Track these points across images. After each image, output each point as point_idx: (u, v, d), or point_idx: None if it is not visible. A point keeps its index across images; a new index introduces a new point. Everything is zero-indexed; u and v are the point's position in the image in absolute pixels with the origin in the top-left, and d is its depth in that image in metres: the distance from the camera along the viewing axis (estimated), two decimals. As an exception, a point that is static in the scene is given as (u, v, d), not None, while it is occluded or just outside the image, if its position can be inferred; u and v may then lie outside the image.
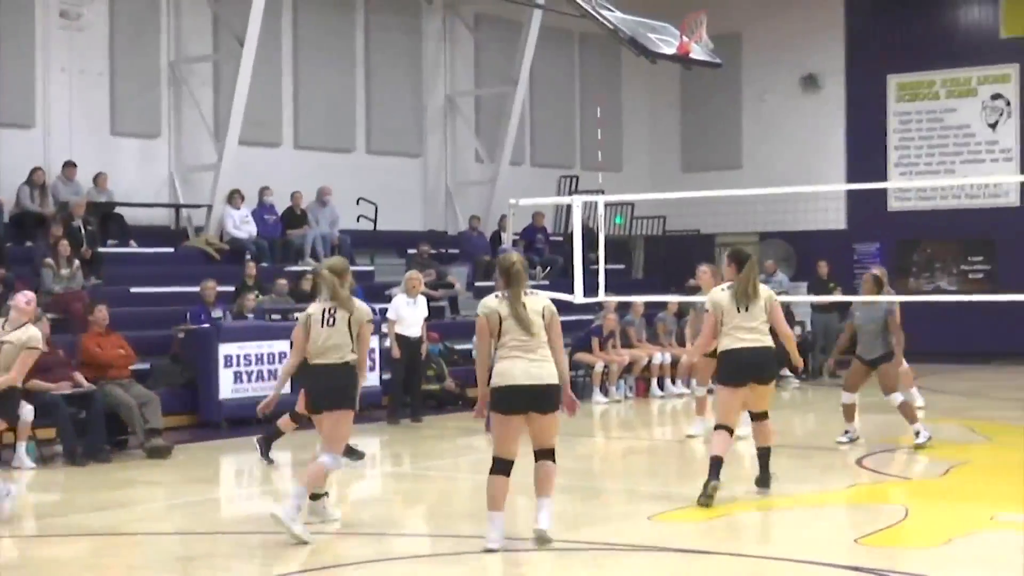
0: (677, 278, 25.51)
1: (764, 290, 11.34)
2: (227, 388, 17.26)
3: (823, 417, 18.42)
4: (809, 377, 23.07)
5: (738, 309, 11.11)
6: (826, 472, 13.32)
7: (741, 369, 11.10)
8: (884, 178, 28.31)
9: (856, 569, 8.63)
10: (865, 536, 9.71)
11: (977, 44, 28.33)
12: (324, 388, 9.95)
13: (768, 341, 11.17)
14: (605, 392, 20.35)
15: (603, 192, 24.87)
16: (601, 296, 17.34)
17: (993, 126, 28.16)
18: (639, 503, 11.70)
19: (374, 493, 13.10)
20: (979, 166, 27.96)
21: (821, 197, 26.93)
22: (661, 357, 21.13)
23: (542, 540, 9.29)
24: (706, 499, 10.79)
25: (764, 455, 11.52)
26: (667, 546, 9.50)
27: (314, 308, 10.09)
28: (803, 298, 23.29)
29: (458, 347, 20.77)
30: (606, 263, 17.34)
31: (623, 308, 21.48)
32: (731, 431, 11.16)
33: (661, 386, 21.17)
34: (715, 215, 27.32)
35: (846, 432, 14.54)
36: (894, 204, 28.73)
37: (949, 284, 27.86)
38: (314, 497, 10.21)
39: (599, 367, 20.30)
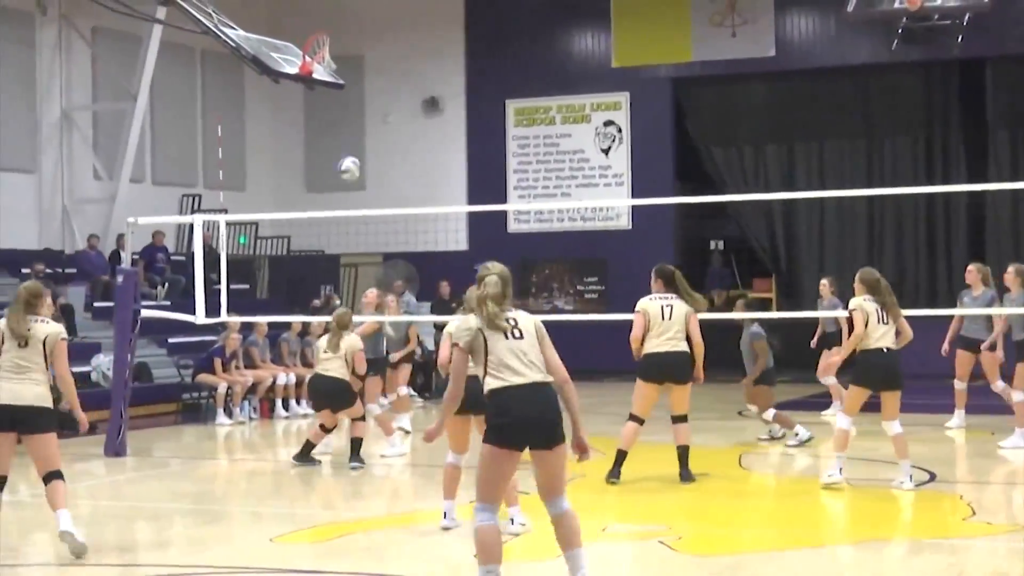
0: (301, 298, 25.51)
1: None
2: None
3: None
4: (432, 396, 23.46)
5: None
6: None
7: None
8: (504, 200, 29.09)
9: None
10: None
11: (590, 72, 29.44)
12: None
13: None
14: (229, 413, 20.15)
15: (226, 211, 24.67)
16: (223, 316, 17.25)
17: (606, 151, 29.31)
18: (262, 525, 11.64)
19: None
20: (593, 190, 29.06)
21: (443, 218, 27.46)
22: (285, 378, 21.05)
23: None
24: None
25: None
26: (288, 567, 9.48)
27: None
28: (427, 318, 23.60)
29: (75, 369, 20.09)
30: (229, 283, 17.23)
31: (246, 328, 21.31)
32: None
33: (286, 407, 21.10)
34: (339, 235, 27.47)
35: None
36: (514, 226, 29.51)
37: (566, 304, 28.80)
38: None
39: (222, 388, 20.09)
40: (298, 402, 21.16)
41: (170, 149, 28.60)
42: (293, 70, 21.09)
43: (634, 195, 28.36)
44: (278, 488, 14.15)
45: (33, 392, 9.78)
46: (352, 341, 14.86)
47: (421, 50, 30.22)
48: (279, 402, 21.00)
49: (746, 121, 29.36)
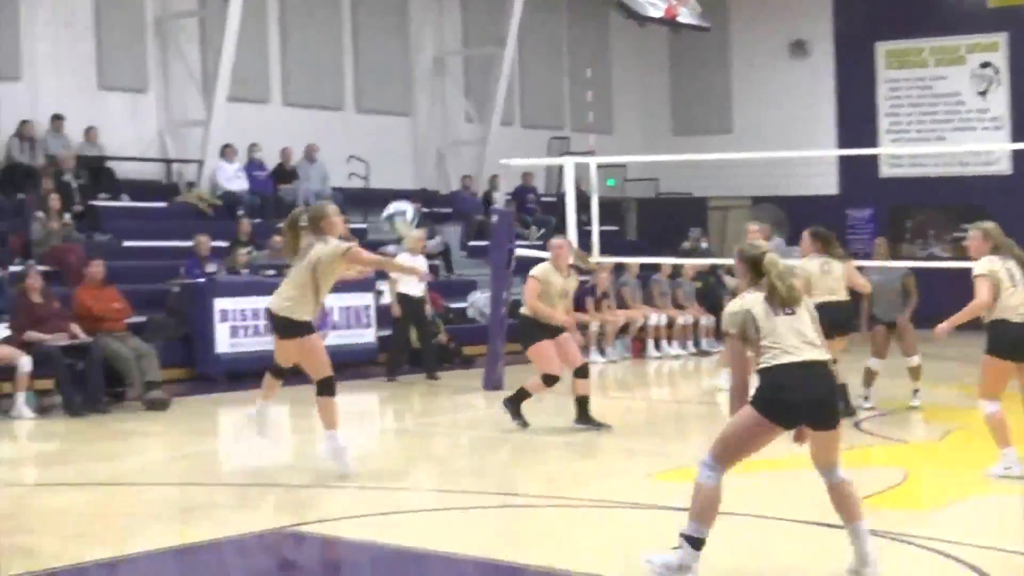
0: (669, 240, 25.50)
1: None
2: (224, 343, 17.33)
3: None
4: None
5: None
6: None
7: None
8: (875, 144, 28.31)
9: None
10: (865, 497, 9.68)
11: (965, 13, 28.27)
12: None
13: None
14: (602, 352, 20.38)
15: (594, 154, 24.85)
16: (595, 257, 17.40)
17: (983, 94, 28.16)
18: (637, 461, 11.72)
19: (373, 448, 13.05)
20: (970, 134, 27.95)
21: (813, 162, 26.95)
22: (656, 318, 21.22)
23: None
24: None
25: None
26: (666, 504, 9.41)
27: None
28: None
29: (452, 305, 20.87)
30: (599, 225, 17.34)
31: (618, 270, 21.50)
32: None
33: (657, 347, 21.24)
34: (707, 178, 27.38)
35: (866, 398, 14.38)
36: (886, 170, 28.72)
37: (943, 251, 27.84)
38: None
39: (594, 327, 20.32)
40: (669, 343, 21.32)
41: (538, 93, 29.00)
42: (658, 13, 21.08)
43: (1014, 139, 27.14)
44: (651, 425, 14.22)
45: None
46: None
47: (787, -9, 29.68)
48: (651, 343, 21.19)
49: None
